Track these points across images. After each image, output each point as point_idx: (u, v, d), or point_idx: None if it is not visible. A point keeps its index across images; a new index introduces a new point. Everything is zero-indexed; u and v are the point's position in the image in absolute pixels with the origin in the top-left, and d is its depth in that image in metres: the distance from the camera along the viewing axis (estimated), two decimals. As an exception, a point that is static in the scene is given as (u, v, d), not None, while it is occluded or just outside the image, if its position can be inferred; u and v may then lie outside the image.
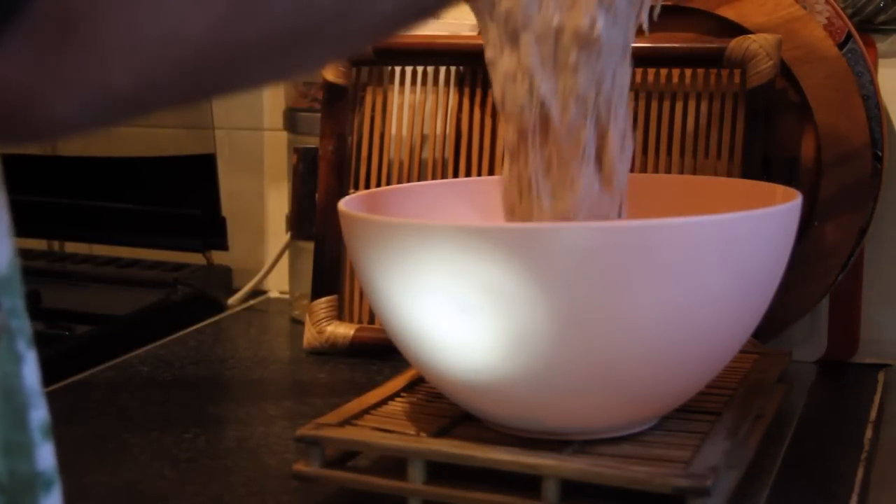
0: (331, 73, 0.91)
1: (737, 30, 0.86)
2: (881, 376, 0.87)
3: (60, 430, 0.80)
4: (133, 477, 0.68)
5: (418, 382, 0.72)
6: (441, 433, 0.64)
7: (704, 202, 0.70)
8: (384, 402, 0.68)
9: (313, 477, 0.63)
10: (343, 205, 0.64)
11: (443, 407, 0.67)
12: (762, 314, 0.63)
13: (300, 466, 0.63)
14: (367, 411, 0.67)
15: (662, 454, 0.60)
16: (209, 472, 0.69)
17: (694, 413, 0.65)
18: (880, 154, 0.84)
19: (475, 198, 0.77)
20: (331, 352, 0.90)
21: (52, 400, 0.81)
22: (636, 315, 0.57)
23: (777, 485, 0.66)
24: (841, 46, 0.85)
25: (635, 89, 0.86)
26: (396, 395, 0.70)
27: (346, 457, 0.64)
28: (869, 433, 0.75)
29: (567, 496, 0.58)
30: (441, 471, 0.61)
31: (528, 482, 0.59)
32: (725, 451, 0.60)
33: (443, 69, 0.92)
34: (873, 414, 0.78)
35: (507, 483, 0.59)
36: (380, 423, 0.65)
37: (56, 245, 1.23)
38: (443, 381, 0.63)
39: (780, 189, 0.68)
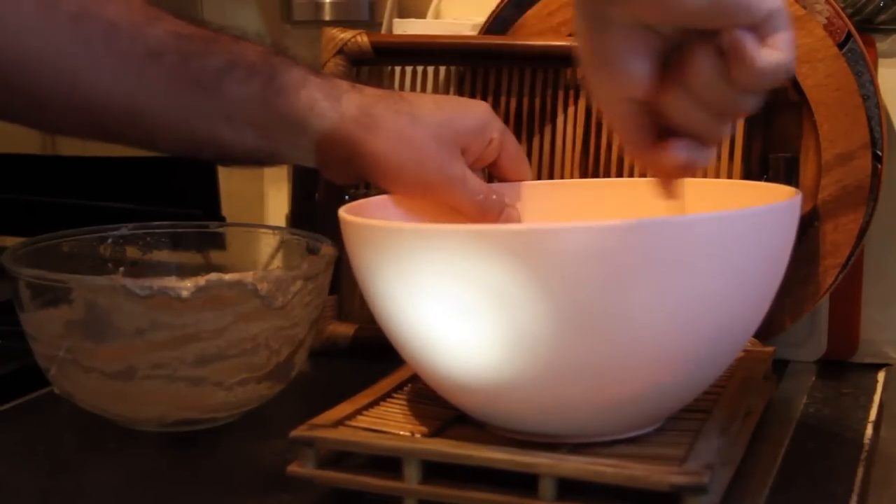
0: (330, 73, 0.91)
1: (736, 29, 0.85)
2: (881, 376, 0.87)
3: (60, 430, 0.80)
4: (133, 477, 0.68)
5: (409, 382, 0.71)
6: (435, 434, 0.63)
7: (704, 204, 0.70)
8: (377, 402, 0.68)
9: (307, 478, 0.63)
10: (344, 211, 0.64)
11: (435, 408, 0.67)
12: (763, 313, 0.63)
13: (294, 468, 0.63)
14: (359, 412, 0.66)
15: (657, 452, 0.60)
16: (209, 472, 0.69)
17: (684, 412, 0.65)
18: (880, 154, 0.84)
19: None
20: (331, 352, 0.90)
21: (53, 401, 0.81)
22: (637, 313, 0.56)
23: (776, 484, 0.65)
24: (841, 46, 0.84)
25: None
26: (388, 395, 0.70)
27: (341, 456, 0.64)
28: (869, 433, 0.75)
29: (563, 495, 0.58)
30: (436, 471, 0.61)
31: (523, 481, 0.59)
32: (719, 449, 0.60)
33: (443, 69, 0.92)
34: (873, 414, 0.78)
35: (502, 482, 0.59)
36: (373, 423, 0.65)
37: (56, 245, 1.23)
38: (444, 384, 0.63)
39: (780, 188, 0.68)
